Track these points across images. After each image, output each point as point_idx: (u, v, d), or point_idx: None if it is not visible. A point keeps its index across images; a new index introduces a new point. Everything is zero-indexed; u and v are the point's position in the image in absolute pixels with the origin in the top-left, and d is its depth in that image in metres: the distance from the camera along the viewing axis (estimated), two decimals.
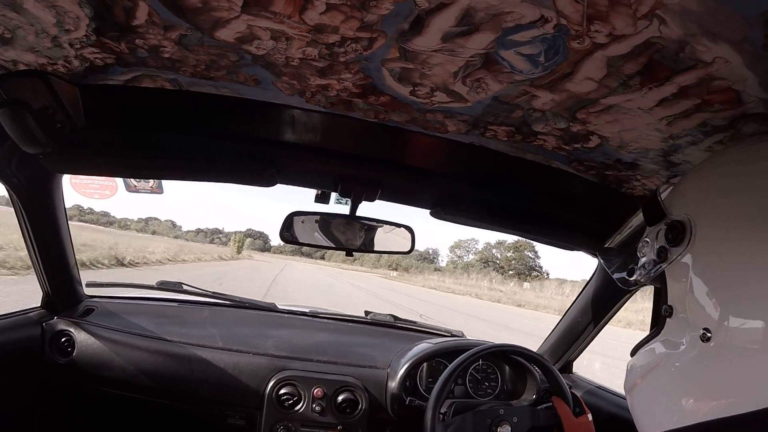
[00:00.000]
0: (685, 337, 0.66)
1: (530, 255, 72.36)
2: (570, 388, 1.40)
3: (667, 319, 0.71)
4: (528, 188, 1.24)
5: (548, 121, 0.90)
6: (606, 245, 0.98)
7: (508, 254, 73.19)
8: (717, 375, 0.61)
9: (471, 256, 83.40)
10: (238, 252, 63.10)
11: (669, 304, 0.71)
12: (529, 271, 69.65)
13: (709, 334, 0.61)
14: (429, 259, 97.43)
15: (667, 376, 0.69)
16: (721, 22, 0.56)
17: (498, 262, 74.67)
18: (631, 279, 0.83)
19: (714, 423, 0.57)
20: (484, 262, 75.85)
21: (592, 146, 0.97)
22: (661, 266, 0.72)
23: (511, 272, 67.99)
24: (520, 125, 0.95)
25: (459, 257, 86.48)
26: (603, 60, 0.68)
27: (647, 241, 0.78)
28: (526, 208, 1.29)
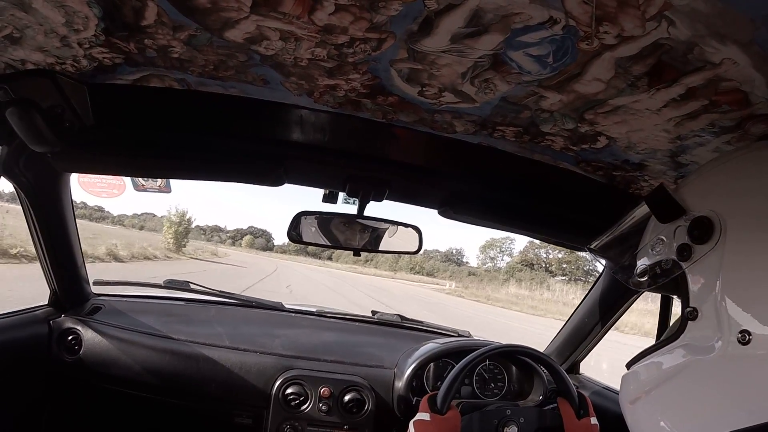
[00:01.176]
0: (717, 340, 0.63)
1: (586, 256, 59.12)
2: (577, 388, 1.40)
3: (690, 322, 0.68)
4: (536, 188, 1.24)
5: (556, 121, 0.90)
6: (594, 245, 0.93)
7: (559, 255, 59.80)
8: (760, 379, 0.57)
9: (506, 258, 70.01)
10: (176, 246, 31.05)
11: (692, 306, 0.67)
12: (586, 276, 57.80)
13: (748, 336, 0.58)
14: (455, 260, 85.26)
15: (697, 382, 0.65)
16: (729, 24, 0.56)
17: (545, 264, 62.29)
18: (643, 280, 0.78)
19: (758, 428, 0.54)
20: (527, 265, 63.49)
21: (600, 147, 0.97)
22: (682, 265, 0.69)
23: (564, 277, 56.34)
24: (528, 126, 0.95)
25: (492, 258, 72.79)
26: (611, 61, 0.68)
27: (662, 239, 0.73)
28: (533, 207, 1.29)
